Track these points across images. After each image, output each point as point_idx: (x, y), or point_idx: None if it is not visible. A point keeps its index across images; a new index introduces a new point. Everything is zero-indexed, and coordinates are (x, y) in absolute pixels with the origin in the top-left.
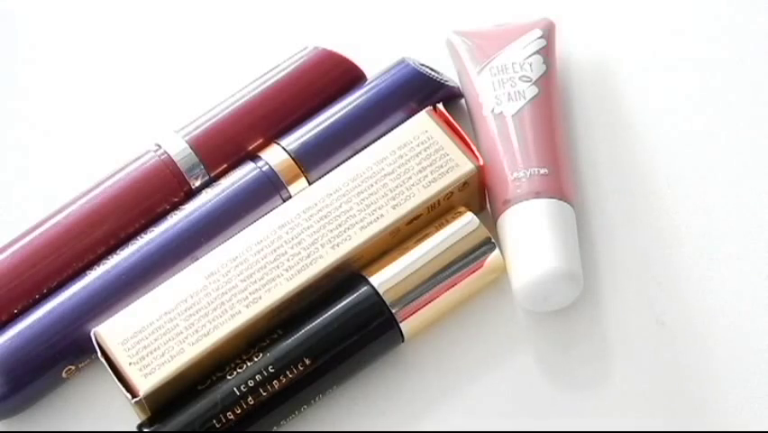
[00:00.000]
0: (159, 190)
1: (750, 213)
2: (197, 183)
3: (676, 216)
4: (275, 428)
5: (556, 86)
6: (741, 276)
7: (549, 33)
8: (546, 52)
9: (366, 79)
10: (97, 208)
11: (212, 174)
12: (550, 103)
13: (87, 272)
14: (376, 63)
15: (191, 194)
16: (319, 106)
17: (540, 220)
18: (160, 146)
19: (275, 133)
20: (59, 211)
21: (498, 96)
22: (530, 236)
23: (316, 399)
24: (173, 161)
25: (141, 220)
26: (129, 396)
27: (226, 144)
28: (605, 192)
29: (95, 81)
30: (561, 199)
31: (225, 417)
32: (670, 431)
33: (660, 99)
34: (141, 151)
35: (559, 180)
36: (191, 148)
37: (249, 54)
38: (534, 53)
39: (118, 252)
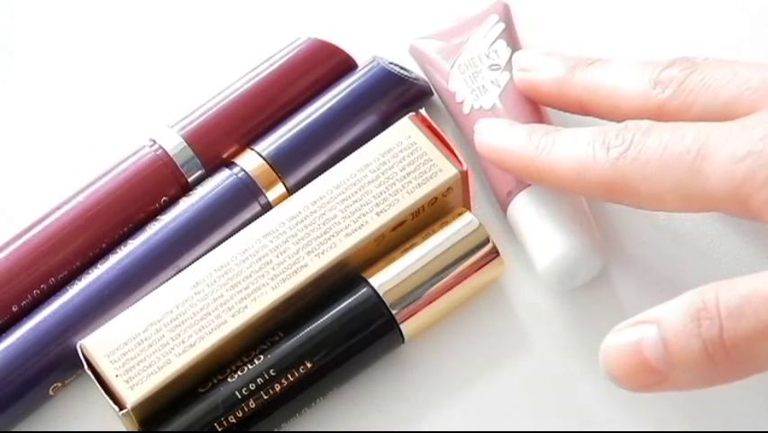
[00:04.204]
0: (156, 185)
1: None
2: (193, 177)
3: None
4: (275, 430)
5: None
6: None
7: (506, 14)
8: (508, 34)
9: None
10: (93, 203)
11: (208, 167)
12: None
13: (68, 287)
14: None
15: (188, 188)
16: (314, 97)
17: (548, 203)
18: (155, 141)
19: (273, 123)
20: (50, 214)
21: (474, 90)
22: (542, 221)
23: (317, 400)
24: (168, 155)
25: (141, 214)
26: (116, 408)
27: (222, 137)
28: None
29: (85, 78)
30: None
31: (227, 420)
32: (670, 431)
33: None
34: (135, 147)
35: None
36: (186, 142)
37: (240, 47)
38: (497, 39)
39: (98, 265)
